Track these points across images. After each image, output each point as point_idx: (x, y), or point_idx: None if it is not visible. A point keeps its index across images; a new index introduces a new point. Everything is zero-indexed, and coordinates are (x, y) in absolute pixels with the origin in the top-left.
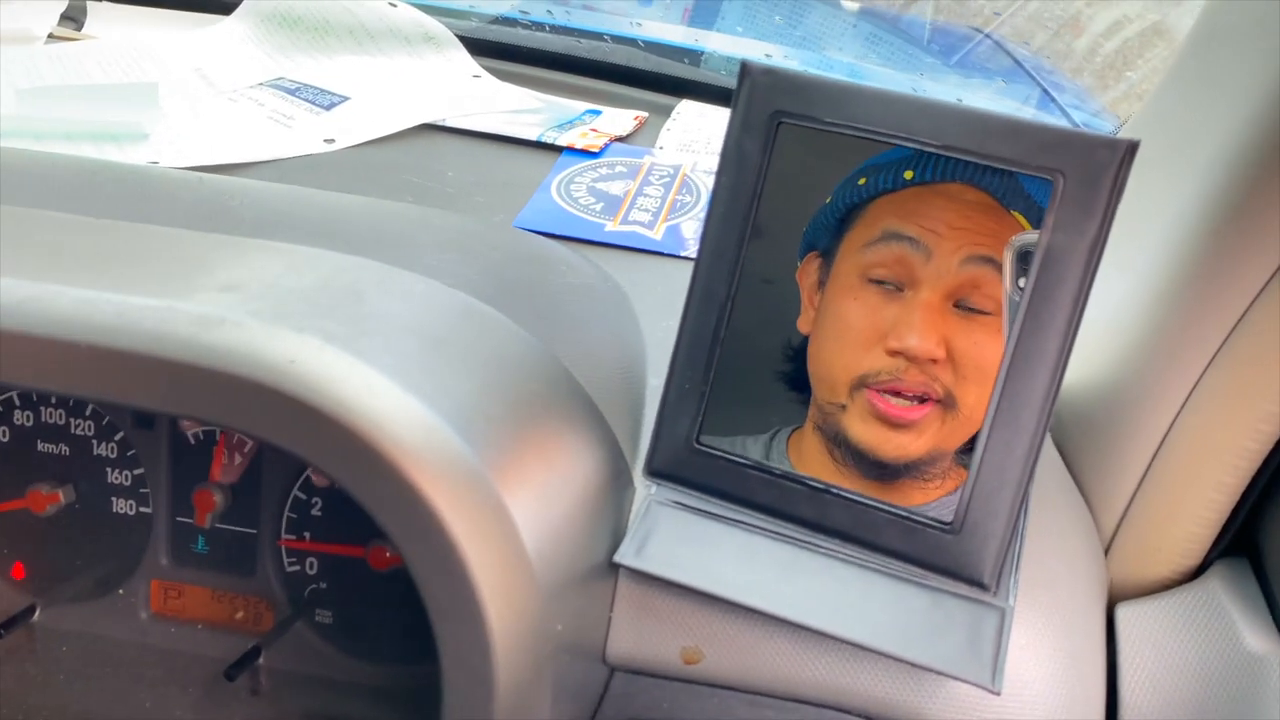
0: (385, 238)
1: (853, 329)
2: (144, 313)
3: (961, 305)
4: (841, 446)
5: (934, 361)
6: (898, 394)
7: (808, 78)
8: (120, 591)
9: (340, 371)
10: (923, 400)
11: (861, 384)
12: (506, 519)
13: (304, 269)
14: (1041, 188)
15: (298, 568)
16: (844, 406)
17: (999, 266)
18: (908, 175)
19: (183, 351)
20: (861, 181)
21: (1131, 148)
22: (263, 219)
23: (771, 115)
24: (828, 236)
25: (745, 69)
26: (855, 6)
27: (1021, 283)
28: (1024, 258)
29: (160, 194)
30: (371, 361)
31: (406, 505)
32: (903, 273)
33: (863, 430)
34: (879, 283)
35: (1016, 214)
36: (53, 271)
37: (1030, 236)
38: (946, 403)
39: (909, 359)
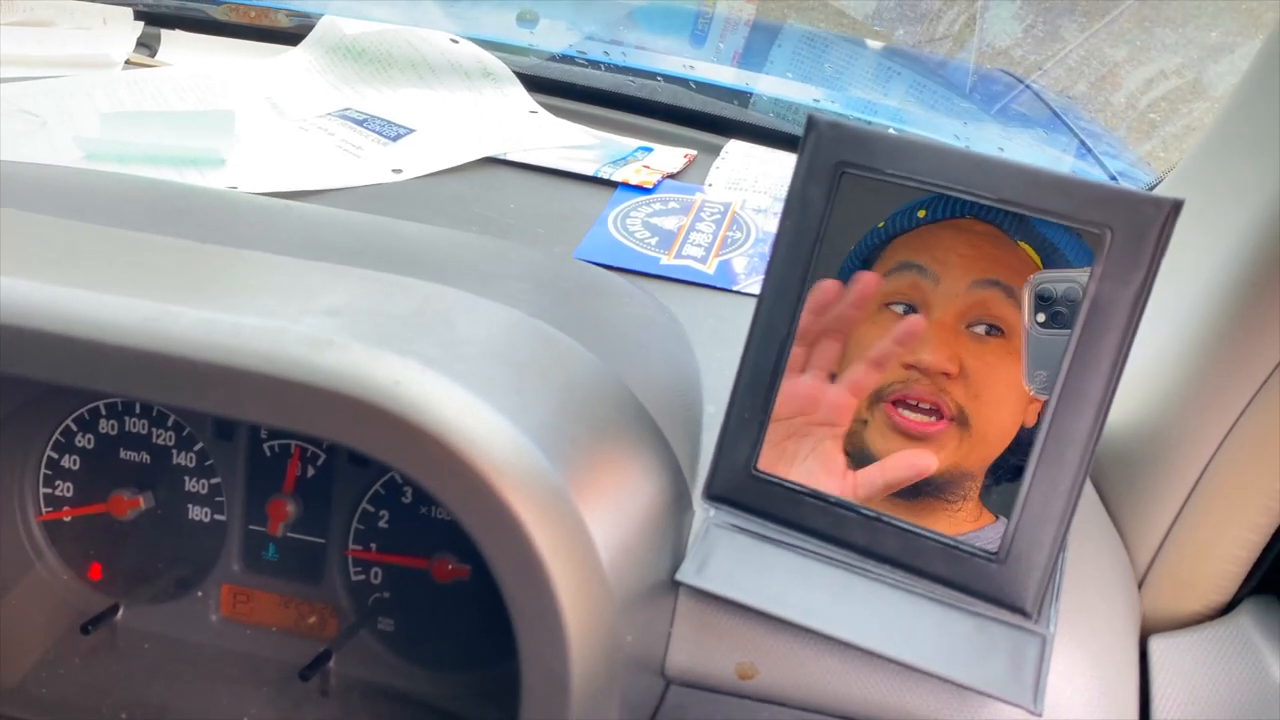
0: (465, 267)
1: (869, 350)
2: (257, 333)
3: (973, 327)
4: (866, 464)
5: (947, 376)
6: (909, 405)
7: (870, 131)
8: (195, 595)
9: (440, 393)
10: (938, 415)
11: (879, 397)
12: (585, 534)
13: (398, 296)
14: (1052, 226)
15: (363, 577)
16: (866, 422)
17: (1006, 290)
18: (920, 214)
19: (294, 371)
20: (880, 225)
21: (1176, 206)
22: (351, 246)
23: (835, 165)
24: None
25: (811, 122)
26: (879, 45)
27: (1040, 318)
28: (1042, 297)
29: (253, 220)
30: (466, 384)
31: (497, 518)
32: (916, 296)
33: (883, 444)
34: (894, 306)
35: (1024, 245)
36: (168, 292)
37: (1048, 275)
38: (960, 420)
39: (922, 372)
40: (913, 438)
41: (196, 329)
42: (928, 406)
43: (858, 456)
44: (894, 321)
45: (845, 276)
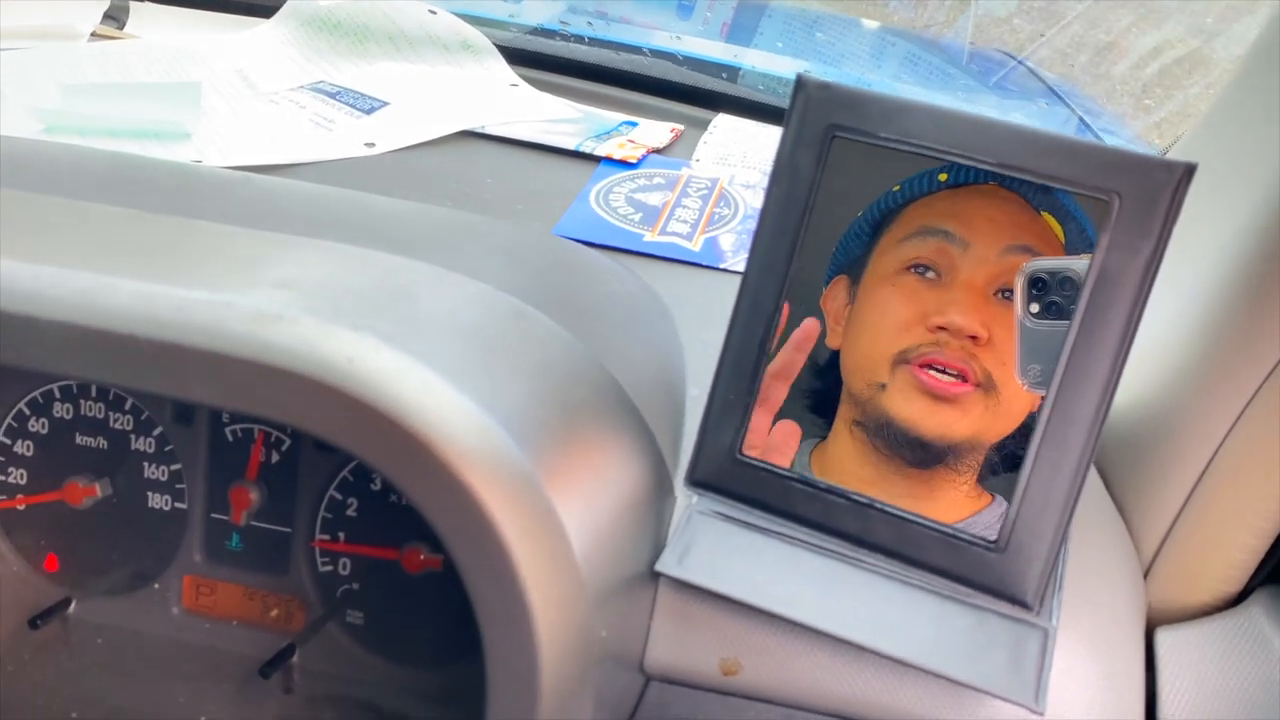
0: (433, 241)
1: (892, 311)
2: (201, 307)
3: (1003, 294)
4: (883, 434)
5: (975, 340)
6: (937, 367)
7: (862, 93)
8: (153, 586)
9: (397, 371)
10: (963, 380)
11: (902, 359)
12: (556, 523)
13: (357, 268)
14: (1074, 199)
15: (330, 568)
16: (884, 386)
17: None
18: (942, 177)
19: (239, 347)
20: (895, 189)
21: (1189, 170)
22: (312, 219)
23: (826, 129)
24: (859, 249)
25: (800, 82)
26: (875, 25)
27: (1034, 308)
28: (1036, 283)
29: (208, 191)
30: (427, 362)
31: (458, 505)
32: (942, 261)
33: (905, 407)
34: (918, 270)
35: (1046, 214)
36: (108, 264)
37: (1042, 262)
38: (986, 385)
39: (951, 334)
40: (938, 399)
41: (136, 302)
42: (955, 372)
43: (873, 428)
44: (916, 285)
45: (853, 242)
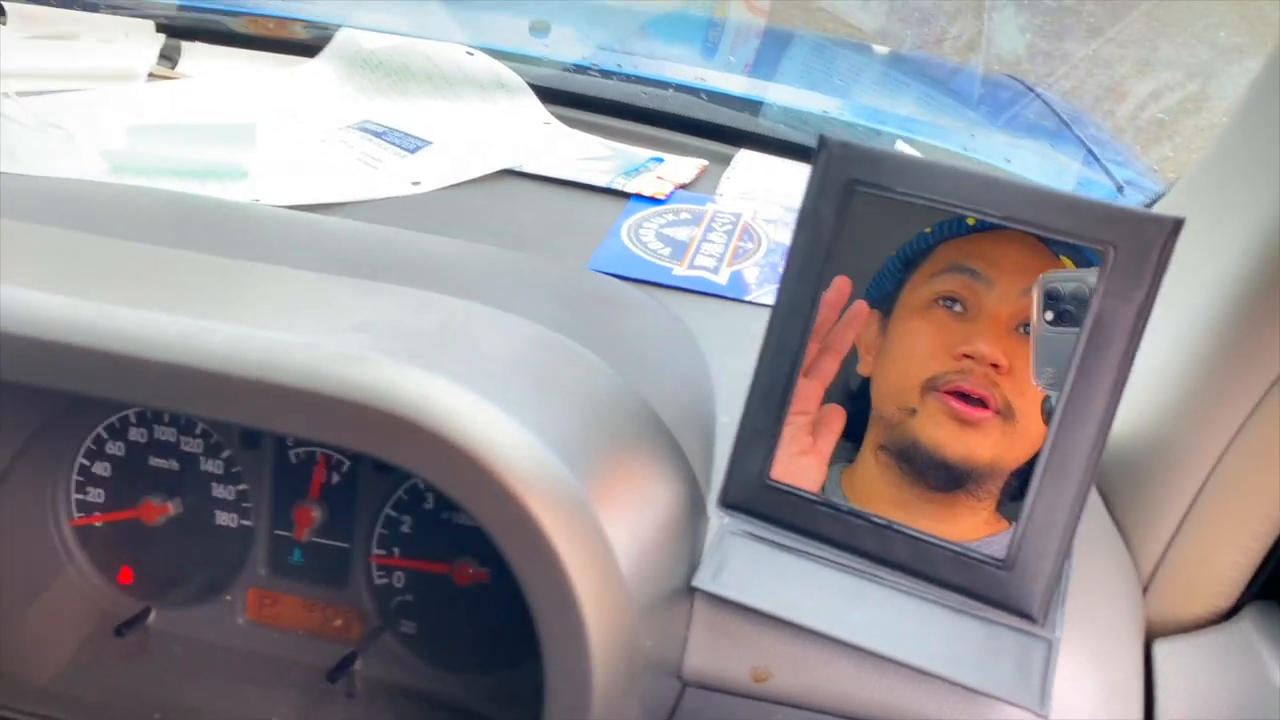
0: (485, 281)
1: (922, 340)
2: (291, 349)
3: (1022, 328)
4: (910, 457)
5: (997, 368)
6: (962, 395)
7: (879, 151)
8: (224, 598)
9: (466, 407)
10: (985, 405)
11: (931, 386)
12: (605, 542)
13: (423, 311)
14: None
15: (385, 581)
16: (914, 411)
17: None
18: (970, 221)
19: (327, 385)
20: (927, 230)
21: (1177, 225)
22: (376, 261)
23: (847, 183)
24: (891, 284)
25: (823, 142)
26: (887, 51)
27: (1049, 316)
28: (1051, 294)
29: (279, 234)
30: (491, 398)
31: (521, 526)
32: (968, 296)
33: (933, 431)
34: (946, 303)
35: (1064, 258)
36: (202, 308)
37: (1057, 274)
38: (1005, 413)
39: (976, 362)
40: (963, 423)
41: (231, 344)
42: (977, 398)
43: (898, 450)
44: (945, 317)
45: (885, 278)
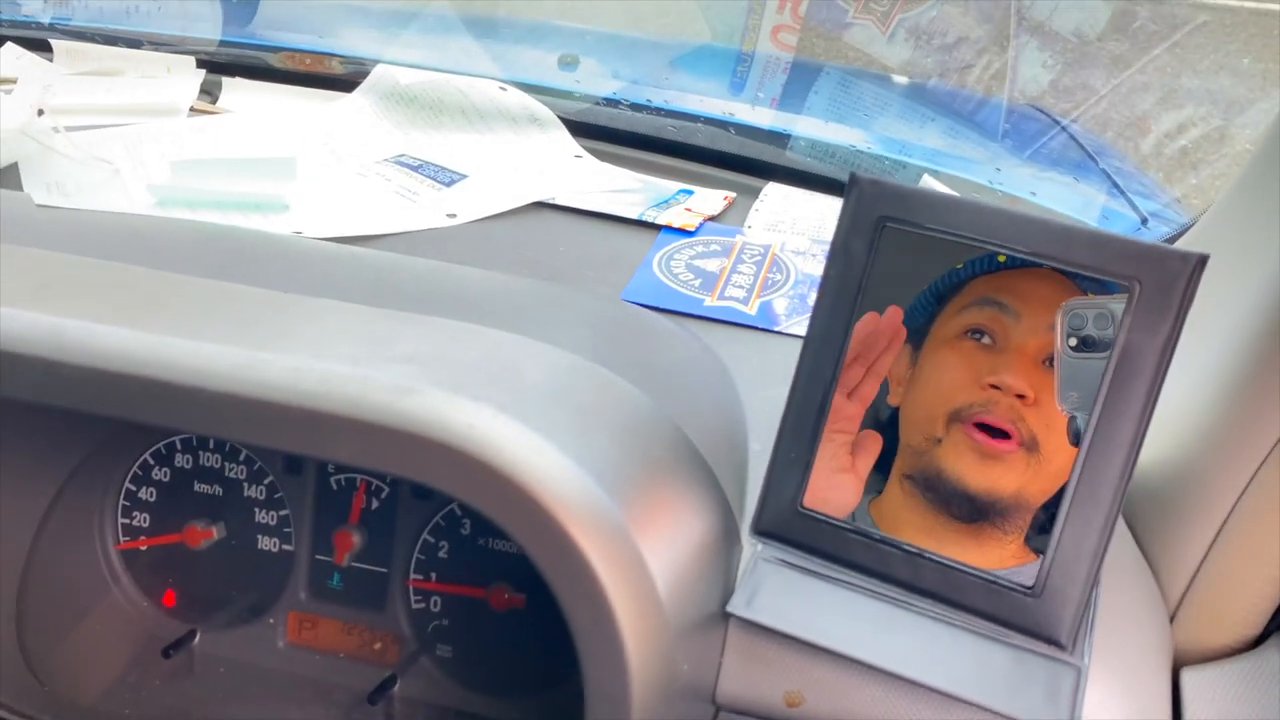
0: (525, 312)
1: (951, 371)
2: (344, 380)
3: (1048, 362)
4: (934, 487)
5: (1022, 400)
6: (987, 427)
7: (908, 189)
8: (266, 621)
9: (511, 436)
10: (1009, 438)
11: (957, 417)
12: (643, 567)
13: (468, 342)
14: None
15: (423, 605)
16: (939, 441)
17: None
18: (1001, 258)
19: (379, 415)
20: (959, 265)
21: (1202, 260)
22: (420, 294)
23: (877, 219)
24: (922, 317)
25: (854, 179)
26: (910, 83)
27: (1072, 342)
28: (1075, 320)
29: (325, 266)
30: (535, 427)
31: (562, 552)
32: (996, 329)
33: (956, 462)
34: (975, 335)
35: (1090, 295)
36: (257, 340)
37: (1080, 301)
38: (1030, 446)
39: (1002, 392)
40: (987, 456)
41: (287, 375)
42: (1001, 430)
43: (924, 479)
44: (973, 349)
45: (918, 312)
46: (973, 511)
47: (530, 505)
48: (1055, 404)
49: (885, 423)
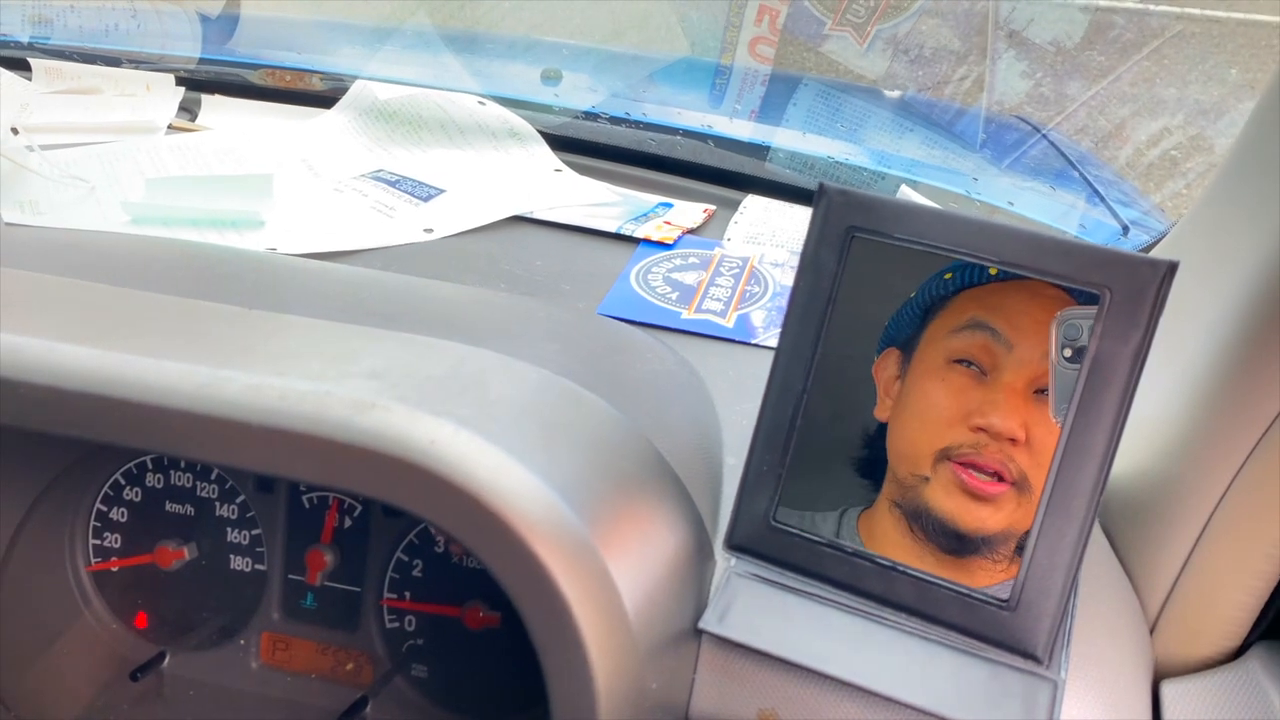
0: (495, 327)
1: (937, 406)
2: (304, 397)
3: (1041, 391)
4: (921, 521)
5: (1013, 442)
6: (976, 468)
7: (877, 198)
8: (238, 642)
9: (473, 452)
10: (1000, 479)
11: (945, 456)
12: (611, 585)
13: (434, 357)
14: None
15: (397, 625)
16: (927, 479)
17: None
18: (993, 271)
19: (339, 432)
20: (948, 276)
21: (1172, 267)
22: (388, 309)
23: (846, 230)
24: (910, 329)
25: (822, 190)
26: (894, 94)
27: (1067, 353)
28: (1069, 333)
29: (293, 283)
30: (498, 443)
31: (527, 570)
32: (987, 359)
33: (945, 501)
34: (964, 364)
35: (1085, 305)
36: (218, 358)
37: (1074, 312)
38: (1021, 485)
39: (991, 436)
40: (976, 498)
41: (246, 393)
42: (992, 472)
43: (911, 513)
44: (962, 382)
45: (904, 321)
46: (961, 546)
47: (493, 522)
48: (1046, 438)
49: (874, 435)
